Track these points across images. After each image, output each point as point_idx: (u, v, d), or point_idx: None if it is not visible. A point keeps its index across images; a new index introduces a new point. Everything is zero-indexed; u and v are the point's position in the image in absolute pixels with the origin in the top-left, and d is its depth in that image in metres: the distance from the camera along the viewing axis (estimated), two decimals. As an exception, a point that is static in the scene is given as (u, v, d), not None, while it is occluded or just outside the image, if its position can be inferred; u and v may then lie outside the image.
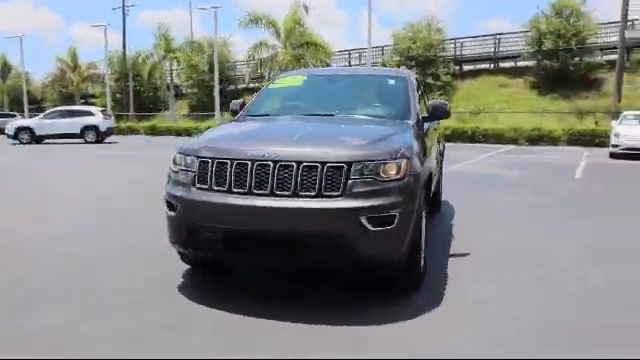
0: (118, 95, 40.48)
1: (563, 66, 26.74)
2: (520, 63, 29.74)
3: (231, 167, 3.34)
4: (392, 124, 4.28)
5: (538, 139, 21.37)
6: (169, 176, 3.70)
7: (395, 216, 3.27)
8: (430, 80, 29.34)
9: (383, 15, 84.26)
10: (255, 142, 3.65)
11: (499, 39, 30.58)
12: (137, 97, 39.35)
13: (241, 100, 5.33)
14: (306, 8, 25.48)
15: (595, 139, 19.89)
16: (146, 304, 3.47)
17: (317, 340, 2.96)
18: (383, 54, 32.96)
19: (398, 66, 29.98)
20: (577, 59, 26.77)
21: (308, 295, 3.72)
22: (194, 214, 3.46)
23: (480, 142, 22.09)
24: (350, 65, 33.16)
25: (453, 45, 31.49)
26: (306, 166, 3.24)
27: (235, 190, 3.32)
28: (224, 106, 25.55)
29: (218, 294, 3.67)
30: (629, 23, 20.32)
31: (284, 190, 3.24)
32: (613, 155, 15.38)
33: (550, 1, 27.69)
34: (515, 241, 5.21)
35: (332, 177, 3.22)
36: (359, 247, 3.26)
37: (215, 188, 3.38)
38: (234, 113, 4.98)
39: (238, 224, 3.33)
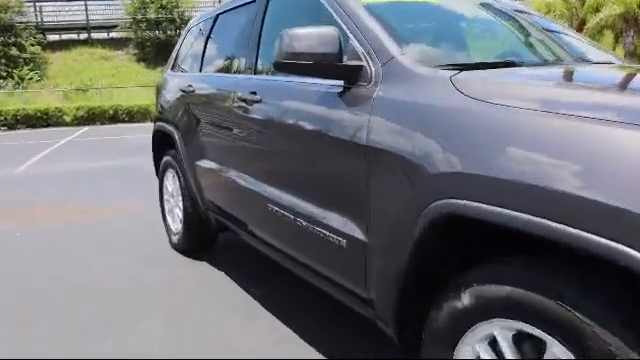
0: None
1: (169, 38, 25.99)
2: (117, 34, 27.18)
3: None
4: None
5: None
6: None
7: None
8: (14, 51, 23.60)
9: None
10: None
11: (87, 5, 27.00)
12: None
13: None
14: None
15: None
16: None
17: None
18: None
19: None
20: (180, 31, 26.51)
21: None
22: None
23: (124, 122, 19.29)
24: None
25: (33, 9, 25.94)
26: None
27: None
28: None
29: None
30: None
31: None
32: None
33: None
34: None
35: None
36: None
37: None
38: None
39: None
